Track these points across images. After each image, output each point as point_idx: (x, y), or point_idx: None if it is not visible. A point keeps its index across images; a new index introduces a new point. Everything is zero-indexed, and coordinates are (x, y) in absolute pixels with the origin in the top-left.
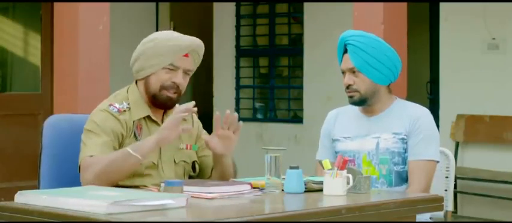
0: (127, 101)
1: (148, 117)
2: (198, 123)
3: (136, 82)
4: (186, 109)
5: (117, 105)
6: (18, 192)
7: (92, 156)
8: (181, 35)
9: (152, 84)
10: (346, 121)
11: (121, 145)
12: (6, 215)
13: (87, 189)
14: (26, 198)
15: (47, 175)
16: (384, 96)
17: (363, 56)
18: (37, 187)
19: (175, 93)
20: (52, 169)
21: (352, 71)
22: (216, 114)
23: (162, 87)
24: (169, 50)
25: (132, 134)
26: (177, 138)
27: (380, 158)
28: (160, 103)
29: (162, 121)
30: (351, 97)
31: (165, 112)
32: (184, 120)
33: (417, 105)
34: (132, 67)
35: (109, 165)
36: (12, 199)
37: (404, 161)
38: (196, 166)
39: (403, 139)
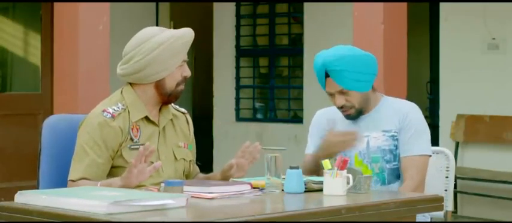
0: (122, 102)
1: (146, 117)
2: (192, 127)
3: (131, 84)
4: (154, 167)
5: (110, 110)
6: (18, 192)
7: (74, 180)
8: (176, 29)
9: (168, 84)
10: (336, 122)
11: (117, 152)
12: (6, 215)
13: (87, 189)
14: (26, 198)
15: (47, 176)
16: (372, 97)
17: (348, 76)
18: (37, 187)
19: (183, 84)
20: (51, 170)
21: (342, 92)
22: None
23: (177, 84)
24: (182, 47)
25: (128, 137)
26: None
27: (371, 157)
28: (174, 98)
29: (159, 120)
30: (348, 115)
31: (160, 110)
32: (173, 118)
33: (404, 100)
34: (137, 74)
35: None
36: (12, 199)
37: (396, 158)
38: (191, 167)
39: (393, 136)
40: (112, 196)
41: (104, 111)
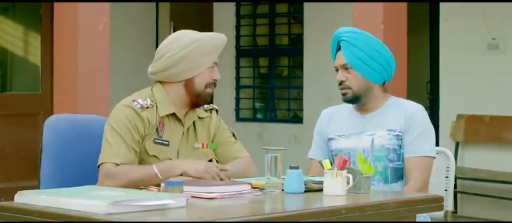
0: (152, 98)
1: (173, 114)
2: (216, 121)
3: (160, 83)
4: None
5: (140, 101)
6: (18, 192)
7: (117, 164)
8: (210, 33)
9: (197, 84)
10: (340, 119)
11: (142, 142)
12: (6, 215)
13: (87, 189)
14: (26, 198)
15: (47, 176)
16: (378, 94)
17: (355, 52)
18: (37, 187)
19: (213, 88)
20: (52, 170)
21: (345, 68)
22: None
23: (206, 86)
24: (214, 49)
25: (155, 130)
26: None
27: (375, 155)
28: (202, 100)
29: (184, 121)
30: (344, 94)
31: (186, 114)
32: (195, 120)
33: (411, 101)
34: (168, 70)
35: (135, 182)
36: (12, 199)
37: (399, 158)
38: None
39: (398, 136)
40: (112, 196)
41: (134, 100)
